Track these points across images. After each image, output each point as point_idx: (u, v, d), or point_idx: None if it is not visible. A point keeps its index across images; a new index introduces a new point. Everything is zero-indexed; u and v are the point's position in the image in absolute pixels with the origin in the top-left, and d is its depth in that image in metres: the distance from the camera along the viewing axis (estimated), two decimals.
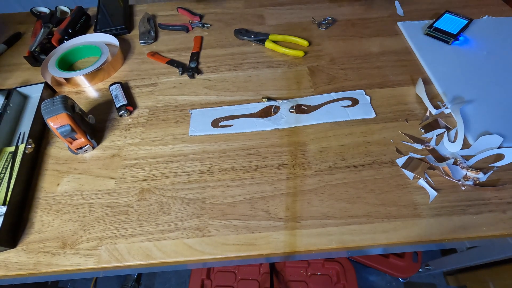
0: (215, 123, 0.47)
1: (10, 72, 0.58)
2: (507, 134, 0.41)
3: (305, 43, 0.58)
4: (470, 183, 0.38)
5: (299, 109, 0.48)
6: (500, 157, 0.40)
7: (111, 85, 0.52)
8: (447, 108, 0.46)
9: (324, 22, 0.63)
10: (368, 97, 0.48)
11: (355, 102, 0.48)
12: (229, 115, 0.48)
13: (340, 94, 0.49)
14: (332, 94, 0.50)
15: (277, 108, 0.48)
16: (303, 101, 0.49)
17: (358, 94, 0.49)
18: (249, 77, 0.54)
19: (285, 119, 0.47)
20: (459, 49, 0.55)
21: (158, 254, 0.35)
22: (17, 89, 0.51)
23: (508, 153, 0.39)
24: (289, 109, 0.48)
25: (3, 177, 0.41)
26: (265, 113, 0.48)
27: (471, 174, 0.38)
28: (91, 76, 0.54)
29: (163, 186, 0.40)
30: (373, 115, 0.46)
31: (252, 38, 0.60)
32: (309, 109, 0.48)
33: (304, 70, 0.54)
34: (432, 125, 0.44)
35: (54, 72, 0.54)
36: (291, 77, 0.53)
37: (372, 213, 0.36)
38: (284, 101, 0.49)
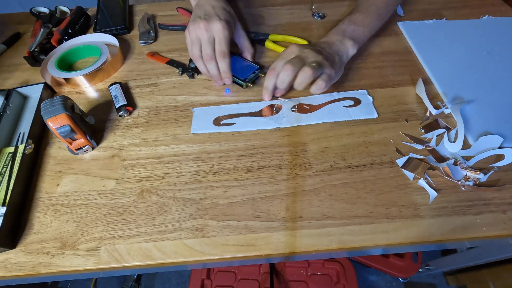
0: (217, 121, 0.47)
1: (10, 73, 0.58)
2: (508, 135, 0.41)
3: (305, 43, 0.58)
4: (470, 183, 0.38)
5: (301, 109, 0.48)
6: (500, 157, 0.40)
7: (110, 85, 0.52)
8: (447, 108, 0.46)
9: (320, 13, 0.64)
10: (370, 97, 0.48)
11: (357, 102, 0.48)
12: (231, 113, 0.48)
13: (342, 94, 0.49)
14: (334, 93, 0.50)
15: (279, 107, 0.48)
16: (305, 100, 0.49)
17: (361, 94, 0.49)
18: None
19: (287, 118, 0.47)
20: (460, 49, 0.55)
21: (158, 255, 0.35)
22: (16, 89, 0.51)
23: (509, 154, 0.39)
24: (291, 108, 0.48)
25: (3, 177, 0.41)
26: (266, 112, 0.48)
27: (471, 174, 0.38)
28: (91, 76, 0.54)
29: (163, 186, 0.40)
30: (375, 115, 0.46)
31: (252, 38, 0.60)
32: (311, 108, 0.48)
33: None
34: (432, 125, 0.44)
35: (53, 73, 0.54)
36: None
37: (372, 214, 0.36)
38: (286, 100, 0.49)
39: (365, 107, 0.47)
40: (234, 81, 0.51)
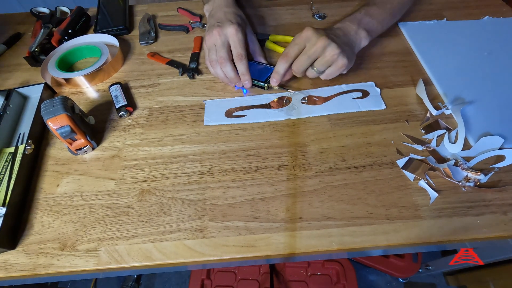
0: (229, 113, 0.48)
1: (10, 73, 0.58)
2: (508, 135, 0.41)
3: None
4: (471, 184, 0.38)
5: (311, 100, 0.49)
6: (501, 158, 0.40)
7: (111, 85, 0.52)
8: (447, 109, 0.46)
9: (321, 14, 0.65)
10: (378, 89, 0.49)
11: (365, 94, 0.49)
12: (242, 105, 0.49)
13: (351, 86, 0.50)
14: (343, 85, 0.50)
15: (289, 99, 0.49)
16: (314, 92, 0.50)
17: (369, 86, 0.50)
18: None
19: (297, 110, 0.48)
20: (460, 50, 0.55)
21: (158, 256, 0.35)
22: (16, 89, 0.50)
23: (509, 154, 0.39)
24: (301, 100, 0.49)
25: (3, 178, 0.41)
26: (277, 104, 0.49)
27: (472, 175, 0.38)
28: (91, 77, 0.53)
29: (163, 187, 0.40)
30: (383, 106, 0.47)
31: None
32: (321, 100, 0.49)
33: None
34: (432, 126, 0.44)
35: (54, 73, 0.54)
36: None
37: (373, 215, 0.36)
38: (295, 92, 0.50)
39: (373, 99, 0.48)
40: (254, 84, 0.51)
